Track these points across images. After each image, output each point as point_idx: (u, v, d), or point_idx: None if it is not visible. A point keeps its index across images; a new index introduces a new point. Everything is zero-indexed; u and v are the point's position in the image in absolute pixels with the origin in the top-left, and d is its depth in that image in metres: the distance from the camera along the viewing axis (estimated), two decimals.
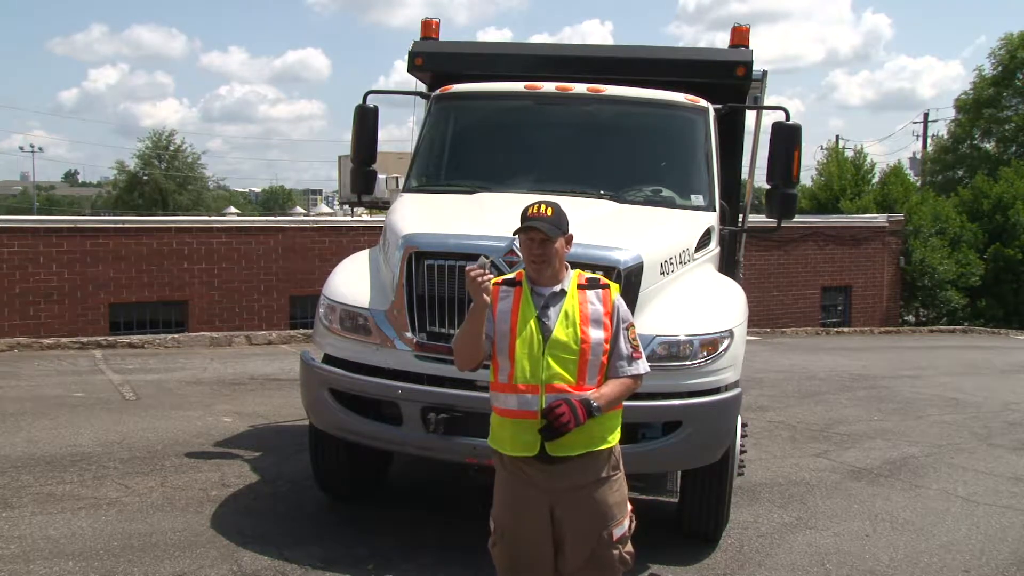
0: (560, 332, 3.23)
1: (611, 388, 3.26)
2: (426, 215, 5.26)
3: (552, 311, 3.26)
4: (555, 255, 3.27)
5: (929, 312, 20.83)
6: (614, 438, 3.34)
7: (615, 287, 3.38)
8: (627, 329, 3.33)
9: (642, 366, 3.33)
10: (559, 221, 3.29)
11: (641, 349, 3.38)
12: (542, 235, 3.22)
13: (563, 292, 3.29)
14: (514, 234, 3.33)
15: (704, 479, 4.93)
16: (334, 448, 5.28)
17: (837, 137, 58.54)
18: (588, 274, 3.41)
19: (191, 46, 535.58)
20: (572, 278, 3.34)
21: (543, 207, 3.27)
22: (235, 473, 6.13)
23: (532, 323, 3.24)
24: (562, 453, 3.20)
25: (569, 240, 3.35)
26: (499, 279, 3.38)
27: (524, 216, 3.28)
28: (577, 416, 3.12)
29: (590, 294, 3.31)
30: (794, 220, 7.27)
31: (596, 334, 3.25)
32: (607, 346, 3.27)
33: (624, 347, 3.31)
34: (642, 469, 4.78)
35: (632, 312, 4.60)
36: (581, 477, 3.26)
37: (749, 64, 6.46)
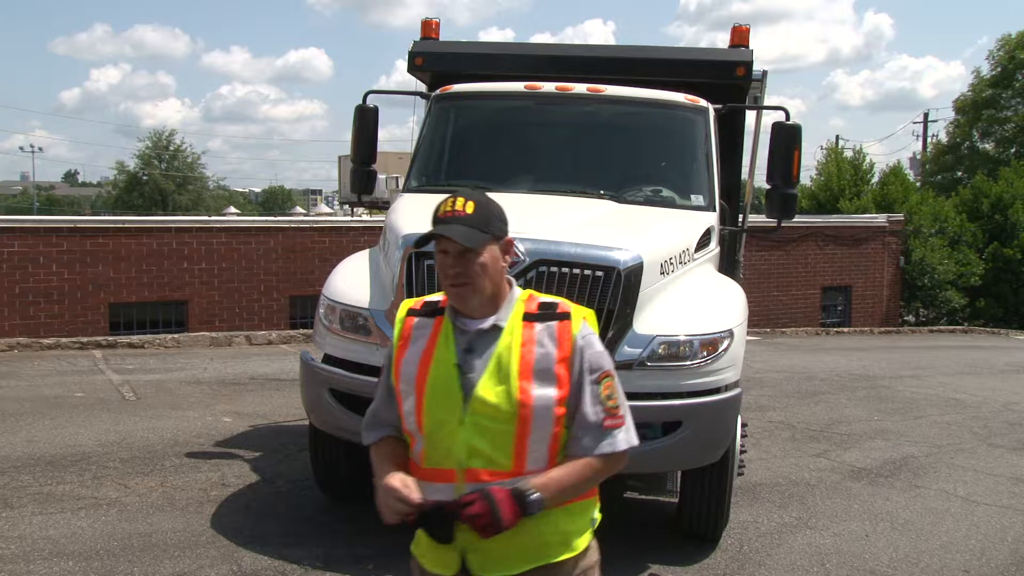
0: (486, 389, 2.16)
1: (566, 472, 2.18)
2: (426, 215, 5.24)
3: (478, 357, 2.19)
4: (483, 273, 2.19)
5: (929, 312, 20.82)
6: (582, 542, 2.25)
7: (583, 316, 2.27)
8: (598, 382, 2.21)
9: (621, 440, 2.23)
10: (486, 220, 2.21)
11: (623, 413, 2.26)
12: (457, 245, 2.17)
13: (496, 329, 2.21)
14: (416, 245, 2.37)
15: (704, 479, 4.93)
16: (334, 448, 5.28)
17: (837, 137, 58.60)
18: (544, 297, 2.30)
19: (193, 46, 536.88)
20: (516, 305, 2.25)
21: (460, 202, 2.21)
22: (235, 473, 6.13)
23: (448, 375, 2.19)
24: (492, 573, 2.19)
25: (508, 247, 2.27)
26: (415, 302, 2.37)
27: (434, 217, 2.25)
28: (498, 516, 2.06)
29: (540, 330, 2.21)
30: (794, 220, 7.27)
31: (542, 392, 2.16)
32: (561, 409, 2.18)
33: (591, 410, 2.20)
34: (642, 469, 4.78)
35: (632, 312, 4.65)
36: None
37: (749, 64, 6.46)
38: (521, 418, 2.15)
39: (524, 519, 2.08)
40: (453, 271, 2.19)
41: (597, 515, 2.33)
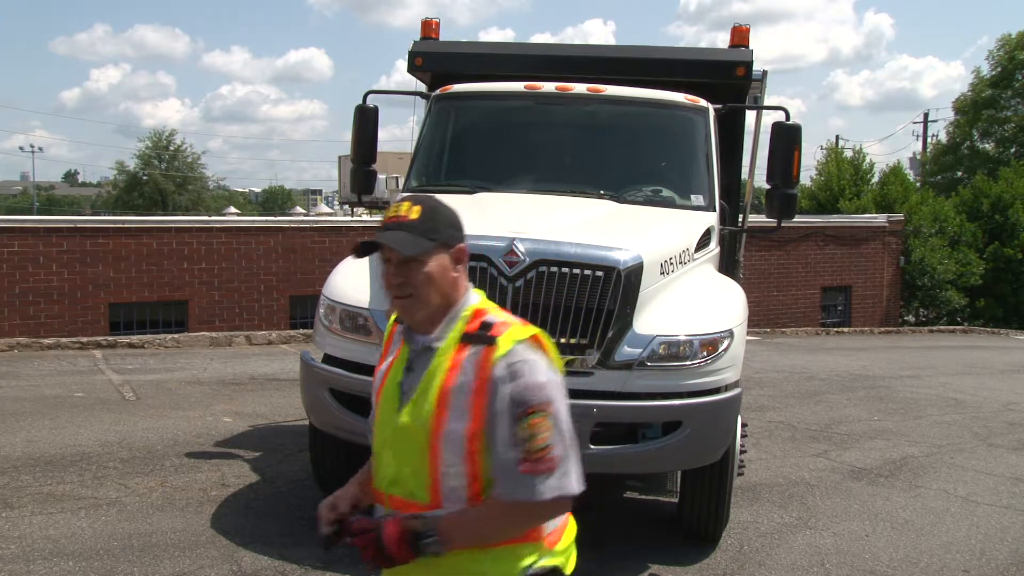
0: (407, 414, 2.03)
1: (479, 514, 1.98)
2: None
3: (416, 377, 2.06)
4: (428, 284, 2.03)
5: (929, 312, 20.83)
6: None
7: (519, 340, 2.00)
8: (519, 420, 1.93)
9: (545, 488, 1.92)
10: (432, 227, 2.04)
11: (556, 455, 1.94)
12: (398, 254, 2.03)
13: (430, 350, 2.06)
14: (357, 254, 2.15)
15: (704, 479, 4.93)
16: (334, 448, 5.28)
17: (837, 137, 58.61)
18: (491, 314, 2.07)
19: (193, 46, 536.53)
20: (457, 323, 2.07)
21: (405, 207, 2.06)
22: (235, 473, 6.13)
23: (392, 394, 2.10)
24: None
25: (460, 256, 2.08)
26: None
27: (382, 224, 2.11)
28: (382, 549, 1.95)
29: (467, 354, 2.01)
30: (794, 220, 7.27)
31: (453, 424, 1.97)
32: (474, 444, 1.97)
33: (504, 451, 1.94)
34: (642, 469, 4.79)
35: (632, 312, 4.65)
36: None
37: (749, 64, 6.47)
38: (432, 449, 1.98)
39: (431, 556, 1.94)
40: (396, 281, 2.05)
41: (542, 562, 2.05)
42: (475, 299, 2.12)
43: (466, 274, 2.13)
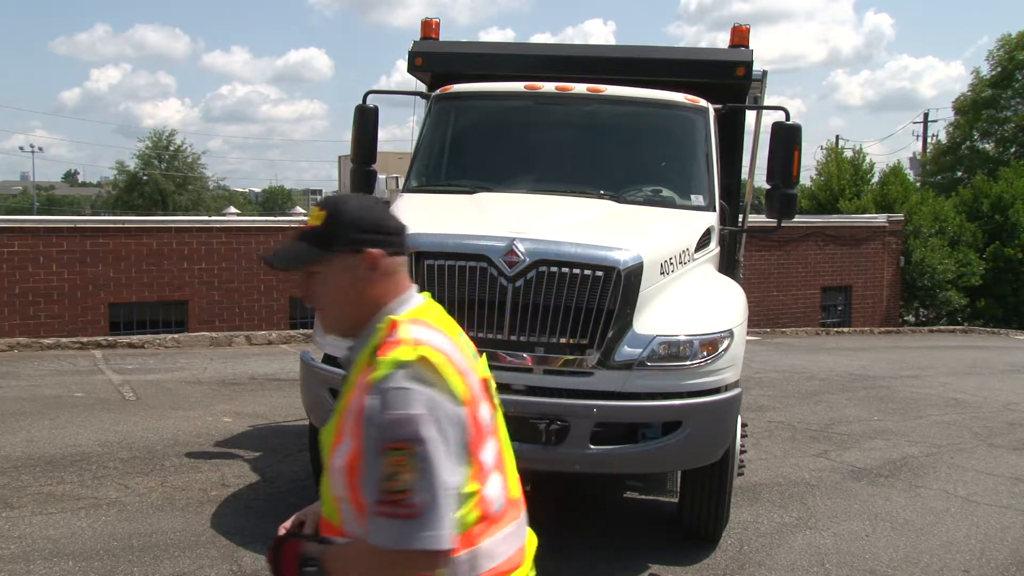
0: (325, 431, 1.95)
1: (356, 552, 1.81)
2: (426, 215, 5.26)
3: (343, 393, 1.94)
4: (327, 295, 1.91)
5: (929, 312, 20.83)
6: None
7: (402, 362, 1.75)
8: (383, 454, 1.71)
9: (397, 535, 1.69)
10: (331, 233, 1.87)
11: (416, 502, 1.69)
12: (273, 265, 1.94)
13: (349, 361, 1.96)
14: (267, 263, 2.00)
15: (704, 479, 4.93)
16: None
17: (837, 137, 58.62)
18: (403, 328, 1.83)
19: (193, 46, 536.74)
20: (374, 336, 1.87)
21: (312, 212, 1.93)
22: (235, 473, 6.13)
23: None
24: None
25: (371, 261, 1.87)
26: None
27: None
28: (279, 570, 1.88)
29: (365, 373, 1.82)
30: (794, 220, 7.27)
31: (340, 447, 1.84)
32: (351, 475, 1.79)
33: (370, 487, 1.74)
34: (642, 469, 4.78)
35: (632, 312, 4.65)
36: None
37: (749, 64, 6.47)
38: (330, 471, 1.87)
39: None
40: (300, 294, 1.93)
41: None
42: (404, 307, 1.90)
43: (396, 277, 1.92)
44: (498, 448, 1.92)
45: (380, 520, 1.72)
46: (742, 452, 5.46)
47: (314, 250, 1.87)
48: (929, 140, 41.98)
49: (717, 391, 4.67)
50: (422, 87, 6.92)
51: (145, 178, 54.74)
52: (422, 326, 1.85)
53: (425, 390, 1.74)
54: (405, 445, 1.70)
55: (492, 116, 6.30)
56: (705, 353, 4.60)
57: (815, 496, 6.19)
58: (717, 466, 4.82)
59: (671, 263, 4.94)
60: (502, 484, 1.90)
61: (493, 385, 2.00)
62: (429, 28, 6.87)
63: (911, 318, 20.71)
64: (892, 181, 23.44)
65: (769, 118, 6.28)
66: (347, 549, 1.83)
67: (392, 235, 1.92)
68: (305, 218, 2.13)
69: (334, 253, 1.86)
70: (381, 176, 6.87)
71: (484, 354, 2.06)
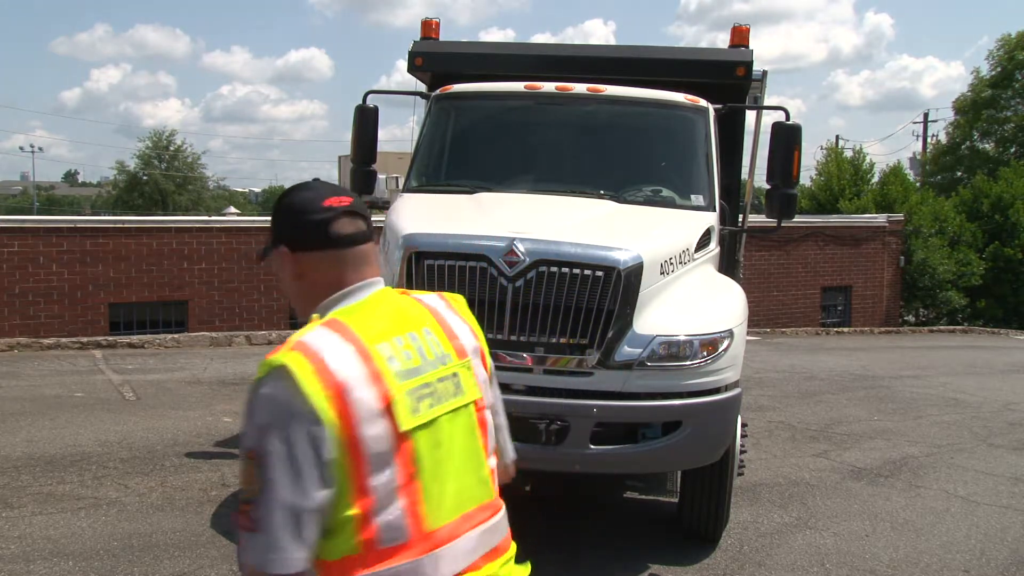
0: None
1: None
2: (426, 215, 5.26)
3: None
4: (281, 286, 1.92)
5: (929, 312, 20.83)
6: None
7: (263, 367, 1.65)
8: (241, 461, 1.66)
9: (242, 547, 1.61)
10: (272, 225, 1.87)
11: (253, 517, 1.59)
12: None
13: None
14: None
15: (704, 479, 4.93)
16: None
17: (837, 137, 58.64)
18: (315, 325, 1.73)
19: (193, 46, 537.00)
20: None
21: None
22: (235, 473, 6.12)
23: None
24: None
25: (281, 258, 1.83)
26: None
27: None
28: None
29: None
30: (794, 220, 7.27)
31: None
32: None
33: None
34: (642, 469, 4.78)
35: (632, 312, 4.64)
36: None
37: (749, 64, 6.46)
38: None
39: None
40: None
41: None
42: (342, 304, 1.79)
43: (333, 272, 1.80)
44: (411, 473, 1.69)
45: (239, 531, 1.62)
46: (742, 452, 5.46)
47: (266, 246, 1.86)
48: (929, 140, 42.03)
49: (717, 391, 4.67)
50: (422, 87, 6.92)
51: (145, 178, 54.73)
52: (328, 330, 1.70)
53: (277, 400, 1.60)
54: (251, 454, 1.60)
55: (492, 116, 6.29)
56: (705, 353, 4.60)
57: (815, 496, 6.19)
58: (717, 466, 4.82)
59: (671, 263, 4.93)
60: (409, 513, 1.68)
61: (455, 403, 1.81)
62: (429, 28, 6.87)
63: (911, 318, 20.71)
64: (892, 181, 23.44)
65: (769, 118, 6.29)
66: None
67: (307, 230, 1.78)
68: None
69: (271, 248, 1.84)
70: (381, 176, 6.86)
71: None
